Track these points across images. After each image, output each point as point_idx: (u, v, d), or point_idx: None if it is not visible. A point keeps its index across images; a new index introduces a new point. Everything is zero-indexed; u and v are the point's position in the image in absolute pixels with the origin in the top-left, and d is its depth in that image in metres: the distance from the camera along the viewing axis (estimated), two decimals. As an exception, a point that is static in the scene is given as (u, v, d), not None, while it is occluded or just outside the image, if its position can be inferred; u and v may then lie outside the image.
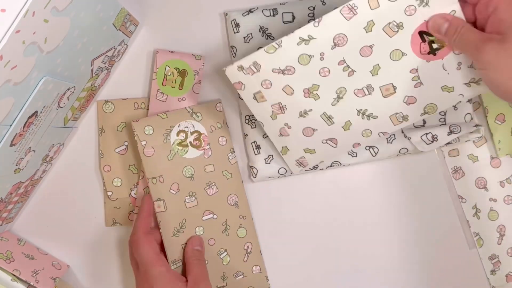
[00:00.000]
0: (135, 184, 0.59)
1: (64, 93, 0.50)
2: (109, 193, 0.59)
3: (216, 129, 0.58)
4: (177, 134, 0.56)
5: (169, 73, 0.57)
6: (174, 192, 0.56)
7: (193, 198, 0.56)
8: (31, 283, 0.55)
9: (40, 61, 0.42)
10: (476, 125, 0.57)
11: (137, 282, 0.53)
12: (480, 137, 0.57)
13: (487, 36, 0.44)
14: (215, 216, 0.57)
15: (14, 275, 0.54)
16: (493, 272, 0.58)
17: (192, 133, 0.57)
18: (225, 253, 0.58)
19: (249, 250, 0.58)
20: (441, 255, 0.59)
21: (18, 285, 0.54)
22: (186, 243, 0.55)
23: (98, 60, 0.54)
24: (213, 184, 0.57)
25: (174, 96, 0.58)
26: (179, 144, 0.56)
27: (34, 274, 0.56)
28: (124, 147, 0.59)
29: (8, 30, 0.36)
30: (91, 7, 0.45)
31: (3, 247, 0.56)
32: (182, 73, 0.57)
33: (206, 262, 0.56)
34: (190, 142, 0.57)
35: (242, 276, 0.58)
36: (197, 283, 0.52)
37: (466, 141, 0.57)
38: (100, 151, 0.59)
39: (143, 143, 0.55)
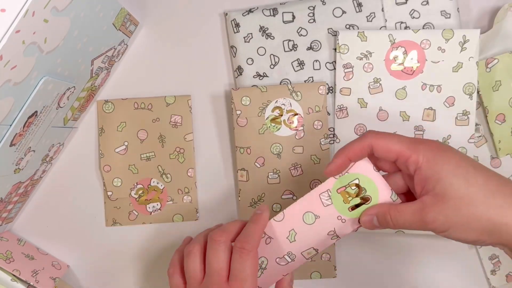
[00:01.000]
0: (135, 184, 0.59)
1: (64, 93, 0.50)
2: (109, 193, 0.59)
3: (314, 112, 0.57)
4: (273, 110, 0.57)
5: (353, 187, 0.46)
6: (259, 166, 0.57)
7: (276, 175, 0.58)
8: (31, 283, 0.55)
9: (40, 61, 0.42)
10: (476, 125, 0.57)
11: None
12: (480, 136, 0.58)
13: (421, 205, 0.40)
14: (294, 197, 0.58)
15: (14, 275, 0.54)
16: (493, 272, 0.58)
17: (288, 112, 0.57)
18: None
19: None
20: (441, 255, 0.59)
21: (18, 285, 0.54)
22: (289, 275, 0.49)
23: (98, 60, 0.54)
24: (299, 166, 0.57)
25: (339, 211, 0.46)
26: (273, 120, 0.57)
27: (34, 274, 0.56)
28: (124, 147, 0.59)
29: (8, 30, 0.36)
30: (91, 7, 0.45)
31: (3, 247, 0.56)
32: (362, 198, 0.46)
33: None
34: (284, 120, 0.57)
35: (310, 259, 0.58)
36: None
37: (468, 140, 0.57)
38: (100, 151, 0.59)
39: (238, 112, 0.57)
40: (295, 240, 0.47)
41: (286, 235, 0.47)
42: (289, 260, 0.47)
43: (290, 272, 0.48)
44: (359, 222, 0.45)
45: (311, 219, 0.46)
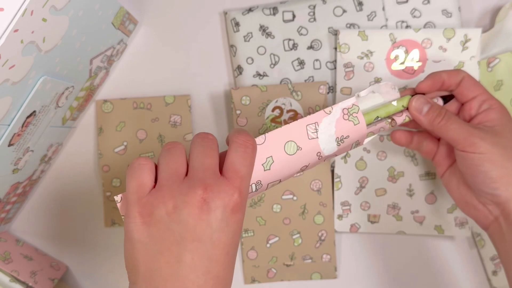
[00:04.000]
0: (134, 184, 0.59)
1: (63, 93, 0.50)
2: (108, 194, 0.59)
3: (314, 111, 0.57)
4: (273, 110, 0.57)
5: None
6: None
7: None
8: (30, 284, 0.55)
9: (38, 60, 0.42)
10: (478, 125, 0.57)
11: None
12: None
13: (476, 127, 0.45)
14: (295, 198, 0.58)
15: (13, 276, 0.54)
16: (494, 273, 0.58)
17: (288, 111, 0.57)
18: (298, 235, 0.58)
19: (322, 238, 0.58)
20: (442, 255, 0.59)
21: (16, 286, 0.53)
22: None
23: (97, 59, 0.53)
24: None
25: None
26: (273, 119, 0.57)
27: (33, 275, 0.55)
28: (123, 147, 0.59)
29: (6, 29, 0.36)
30: (89, 6, 0.45)
31: (2, 247, 0.56)
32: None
33: (278, 238, 0.56)
34: (284, 120, 0.57)
35: (310, 260, 0.58)
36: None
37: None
38: (99, 151, 0.59)
39: (238, 112, 0.56)
40: (269, 169, 0.41)
41: (262, 161, 0.41)
42: (254, 189, 0.41)
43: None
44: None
45: (293, 149, 0.42)
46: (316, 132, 0.43)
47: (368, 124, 0.46)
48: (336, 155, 0.45)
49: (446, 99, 0.49)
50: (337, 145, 0.43)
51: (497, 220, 0.45)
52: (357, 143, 0.46)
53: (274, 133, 0.42)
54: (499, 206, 0.45)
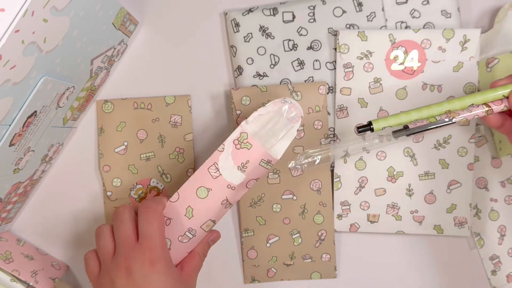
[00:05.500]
0: (135, 184, 0.59)
1: (64, 93, 0.50)
2: (108, 193, 0.59)
3: (314, 111, 0.57)
4: None
5: None
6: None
7: (276, 175, 0.57)
8: (31, 284, 0.55)
9: (39, 60, 0.42)
10: (477, 125, 0.57)
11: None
12: (481, 136, 0.58)
13: None
14: (294, 197, 0.58)
15: (14, 276, 0.54)
16: (493, 272, 0.58)
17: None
18: (298, 235, 0.58)
19: (322, 237, 0.58)
20: (442, 255, 0.59)
21: (17, 285, 0.54)
22: (206, 234, 0.52)
23: (97, 59, 0.53)
24: (299, 166, 0.57)
25: None
26: None
27: (34, 275, 0.56)
28: (123, 147, 0.59)
29: (7, 29, 0.36)
30: (90, 6, 0.45)
31: (3, 247, 0.56)
32: None
33: (277, 238, 0.58)
34: None
35: (310, 260, 0.59)
36: (191, 275, 0.50)
37: (469, 140, 0.57)
38: (100, 151, 0.59)
39: (238, 112, 0.56)
40: (193, 216, 0.50)
41: (184, 213, 0.50)
42: (191, 236, 0.50)
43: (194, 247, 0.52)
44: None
45: (204, 193, 0.50)
46: (218, 170, 0.49)
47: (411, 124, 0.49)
48: (255, 179, 0.50)
49: None
50: (242, 172, 0.49)
51: None
52: (267, 162, 0.50)
53: (184, 187, 0.50)
54: None
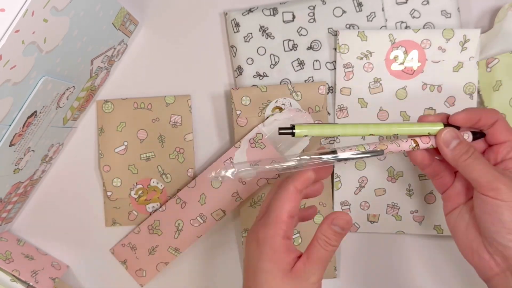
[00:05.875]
0: (135, 184, 0.59)
1: (64, 93, 0.50)
2: (108, 193, 0.59)
3: (314, 111, 0.57)
4: (273, 110, 0.57)
5: None
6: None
7: (277, 175, 0.57)
8: (31, 284, 0.55)
9: (39, 60, 0.42)
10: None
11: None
12: (481, 137, 0.58)
13: (502, 172, 0.43)
14: None
15: (14, 276, 0.54)
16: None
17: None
18: (298, 235, 0.58)
19: None
20: (442, 255, 0.59)
21: (17, 285, 0.54)
22: (326, 217, 0.43)
23: (97, 59, 0.53)
24: (299, 166, 0.57)
25: None
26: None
27: (34, 275, 0.56)
28: (123, 147, 0.59)
29: (7, 29, 0.36)
30: (90, 6, 0.45)
31: (3, 247, 0.56)
32: None
33: None
34: None
35: None
36: (306, 267, 0.41)
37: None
38: (100, 151, 0.59)
39: (238, 112, 0.57)
40: (205, 203, 0.56)
41: (197, 199, 0.57)
42: (201, 221, 0.57)
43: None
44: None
45: (217, 183, 0.56)
46: (232, 164, 0.53)
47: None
48: (265, 178, 0.56)
49: (476, 136, 0.47)
50: (254, 169, 0.50)
51: (504, 274, 0.43)
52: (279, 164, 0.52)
53: (202, 175, 0.57)
54: (509, 260, 0.42)
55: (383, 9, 0.57)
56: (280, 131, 0.45)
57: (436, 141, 0.46)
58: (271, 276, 0.41)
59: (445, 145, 0.45)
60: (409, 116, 0.56)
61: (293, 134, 0.45)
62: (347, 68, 0.57)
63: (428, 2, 0.57)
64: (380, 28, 0.57)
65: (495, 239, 0.42)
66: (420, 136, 0.46)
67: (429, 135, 0.46)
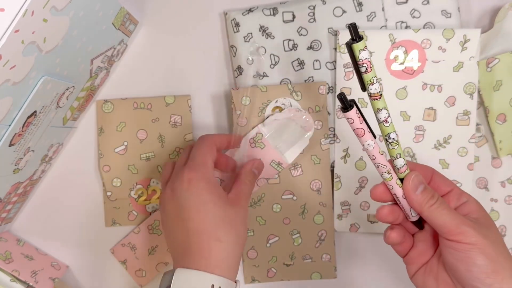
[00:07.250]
0: (135, 184, 0.59)
1: (63, 93, 0.50)
2: (108, 193, 0.59)
3: (314, 111, 0.57)
4: (273, 110, 0.57)
5: None
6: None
7: (276, 175, 0.57)
8: (30, 284, 0.55)
9: (39, 60, 0.42)
10: (477, 125, 0.57)
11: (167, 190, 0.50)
12: (481, 136, 0.58)
13: (465, 216, 0.43)
14: (294, 198, 0.58)
15: (13, 276, 0.54)
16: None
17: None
18: (298, 235, 0.58)
19: (322, 238, 0.58)
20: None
21: (17, 285, 0.54)
22: (247, 162, 0.54)
23: (97, 59, 0.53)
24: (299, 166, 0.57)
25: None
26: None
27: (33, 275, 0.56)
28: (123, 147, 0.59)
29: (7, 29, 0.36)
30: (90, 6, 0.45)
31: (2, 247, 0.56)
32: None
33: (277, 238, 0.58)
34: None
35: (310, 260, 0.59)
36: (238, 198, 0.50)
37: (469, 140, 0.57)
38: (100, 151, 0.59)
39: (238, 112, 0.57)
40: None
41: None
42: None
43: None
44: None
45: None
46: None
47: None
48: (265, 178, 0.57)
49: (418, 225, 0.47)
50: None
51: None
52: (278, 163, 0.56)
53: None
54: None
55: (383, 9, 0.57)
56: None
57: (403, 188, 0.44)
58: (215, 206, 0.47)
59: (412, 190, 0.43)
60: (409, 116, 0.56)
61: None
62: (347, 68, 0.57)
63: (428, 2, 0.57)
64: (380, 28, 0.57)
65: (474, 286, 0.41)
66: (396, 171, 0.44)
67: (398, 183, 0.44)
